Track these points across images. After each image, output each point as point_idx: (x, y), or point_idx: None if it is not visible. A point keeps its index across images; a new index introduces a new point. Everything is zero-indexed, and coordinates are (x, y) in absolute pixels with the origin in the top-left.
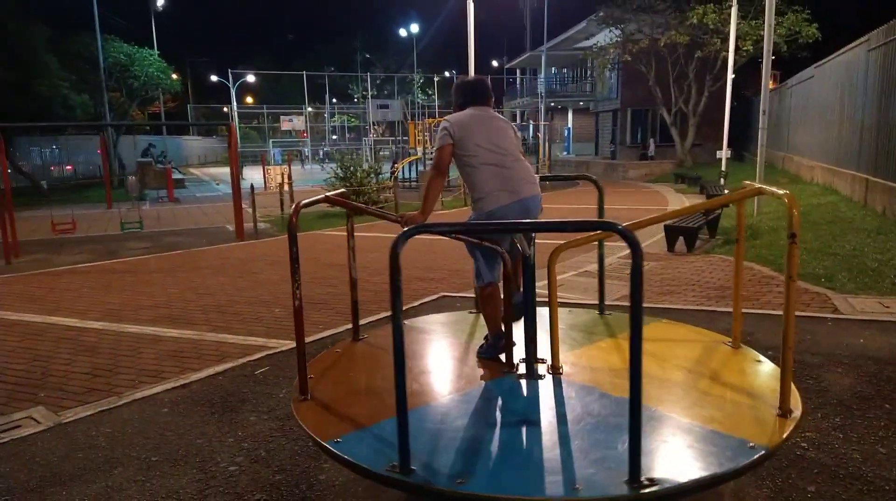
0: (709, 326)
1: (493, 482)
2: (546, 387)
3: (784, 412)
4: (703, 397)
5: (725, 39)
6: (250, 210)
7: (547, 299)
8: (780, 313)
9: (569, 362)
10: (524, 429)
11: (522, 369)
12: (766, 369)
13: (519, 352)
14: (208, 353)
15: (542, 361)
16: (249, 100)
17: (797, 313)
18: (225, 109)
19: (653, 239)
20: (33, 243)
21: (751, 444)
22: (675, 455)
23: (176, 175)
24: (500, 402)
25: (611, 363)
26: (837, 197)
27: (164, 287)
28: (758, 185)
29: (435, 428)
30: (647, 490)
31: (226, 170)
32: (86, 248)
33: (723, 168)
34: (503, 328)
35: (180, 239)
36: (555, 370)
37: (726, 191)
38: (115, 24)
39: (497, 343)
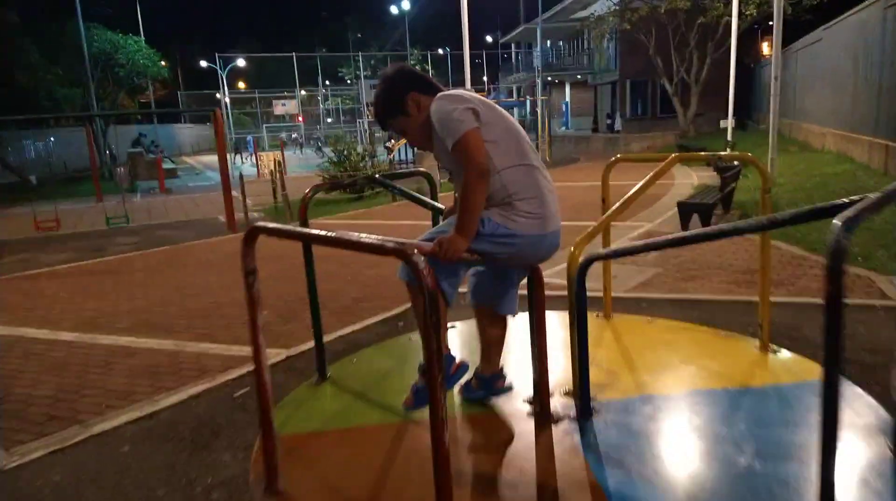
0: (746, 318)
1: None
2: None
3: None
4: None
5: (728, 3)
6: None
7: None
8: (822, 300)
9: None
10: None
11: (558, 408)
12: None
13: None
14: (186, 368)
15: (568, 393)
16: (242, 85)
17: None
18: (217, 96)
19: (664, 216)
20: (18, 242)
21: None
22: None
23: (168, 165)
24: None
25: (650, 391)
26: (853, 165)
27: (146, 289)
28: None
29: None
30: None
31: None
32: (71, 246)
33: (729, 138)
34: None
35: (169, 233)
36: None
37: (735, 162)
38: (99, 11)
39: (449, 372)
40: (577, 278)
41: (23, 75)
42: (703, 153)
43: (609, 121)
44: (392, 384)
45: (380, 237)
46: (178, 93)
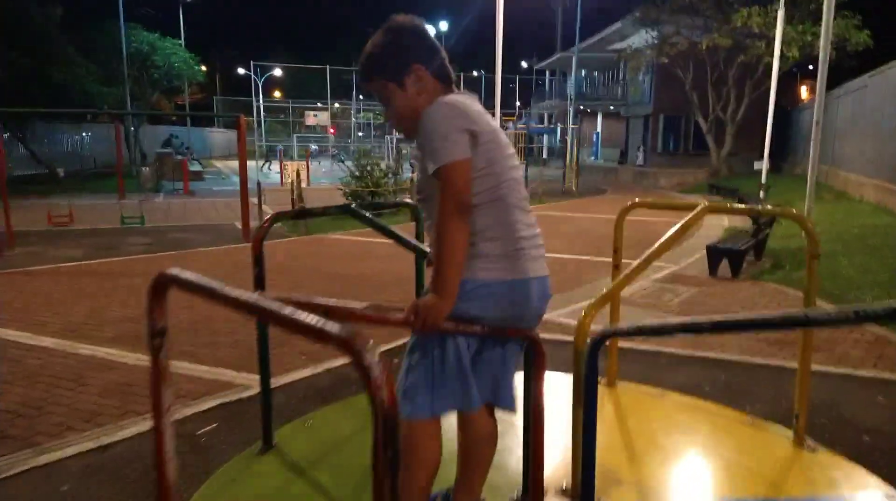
0: (778, 388)
1: None
2: None
3: None
4: None
5: (770, 43)
6: (265, 207)
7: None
8: (867, 372)
9: None
10: None
11: None
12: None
13: None
14: None
15: None
16: (277, 94)
17: (887, 375)
18: (257, 103)
19: (691, 258)
20: (32, 233)
21: None
22: None
23: (195, 167)
24: None
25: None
26: (894, 218)
27: (141, 296)
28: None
29: None
30: None
31: (251, 163)
32: (84, 242)
33: (763, 180)
34: None
35: (184, 236)
36: None
37: (769, 207)
38: (141, 13)
39: None
40: (588, 357)
41: (58, 71)
42: (740, 207)
43: (640, 153)
44: (351, 458)
45: (337, 303)
46: (214, 97)
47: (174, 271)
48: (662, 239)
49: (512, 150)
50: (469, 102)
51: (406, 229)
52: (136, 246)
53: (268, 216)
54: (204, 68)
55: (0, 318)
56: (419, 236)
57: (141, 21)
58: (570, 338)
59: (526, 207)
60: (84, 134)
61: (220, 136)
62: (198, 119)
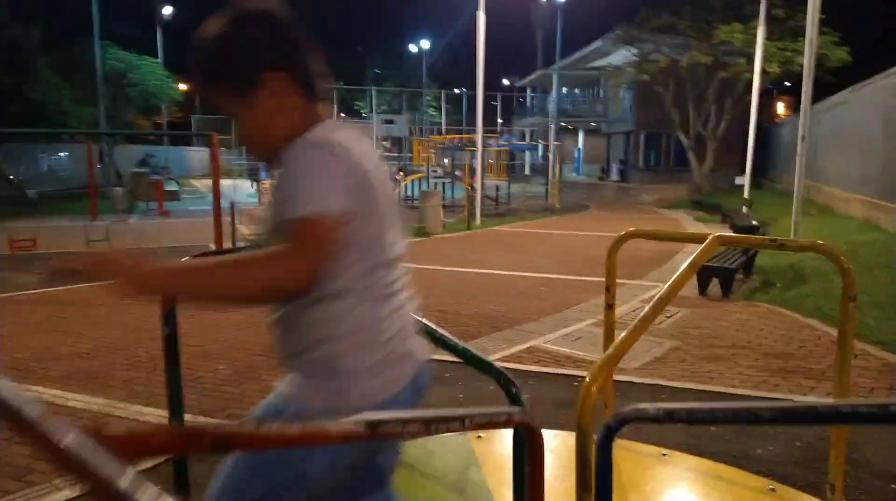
0: (792, 429)
1: None
2: None
3: None
4: None
5: (751, 60)
6: (241, 227)
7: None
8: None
9: None
10: None
11: None
12: None
13: None
14: None
15: None
16: None
17: None
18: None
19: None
20: None
21: None
22: None
23: (171, 187)
24: None
25: None
26: (883, 234)
27: (100, 327)
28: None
29: None
30: None
31: (229, 182)
32: (44, 268)
33: (746, 195)
34: None
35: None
36: None
37: (755, 222)
38: (118, 32)
39: None
40: (601, 448)
41: (35, 89)
42: (755, 237)
43: (621, 167)
44: None
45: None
46: (192, 116)
47: None
48: (672, 280)
49: (397, 210)
50: (351, 134)
51: None
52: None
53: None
54: (184, 86)
55: None
56: None
57: (117, 41)
58: (561, 371)
59: (398, 263)
60: (60, 154)
61: (198, 154)
62: (176, 138)
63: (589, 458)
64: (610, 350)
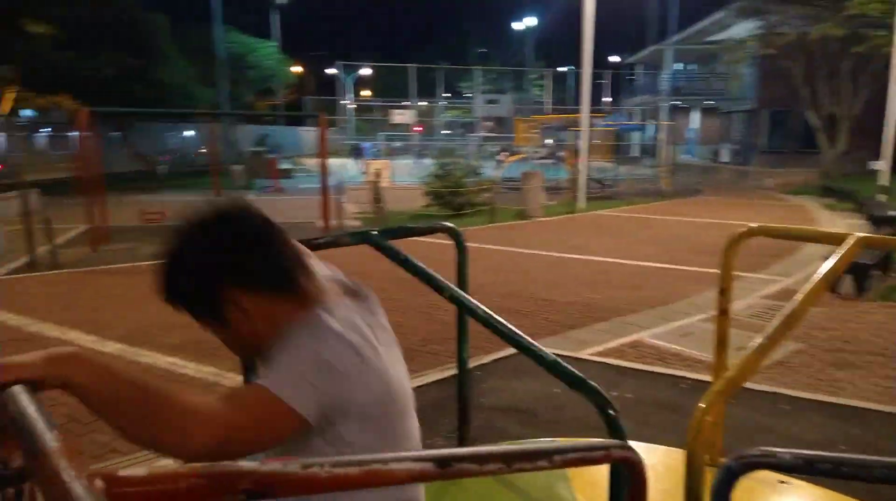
0: None
1: None
2: None
3: None
4: None
5: (890, 32)
6: (347, 205)
7: None
8: None
9: None
10: None
11: None
12: None
13: None
14: None
15: None
16: (367, 93)
17: None
18: (342, 102)
19: (804, 271)
20: (127, 229)
21: None
22: None
23: (285, 165)
24: None
25: None
26: None
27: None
28: None
29: None
30: None
31: (337, 161)
32: None
33: (883, 182)
34: None
35: None
36: None
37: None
38: (235, 16)
39: None
40: (718, 490)
41: (161, 71)
42: None
43: (738, 149)
44: None
45: None
46: (305, 97)
47: None
48: (806, 292)
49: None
50: (355, 335)
51: (482, 232)
52: None
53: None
54: (299, 68)
55: (73, 318)
56: (462, 268)
57: (237, 25)
58: (667, 370)
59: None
60: (186, 132)
61: (310, 134)
62: (290, 118)
63: (700, 498)
64: (731, 372)
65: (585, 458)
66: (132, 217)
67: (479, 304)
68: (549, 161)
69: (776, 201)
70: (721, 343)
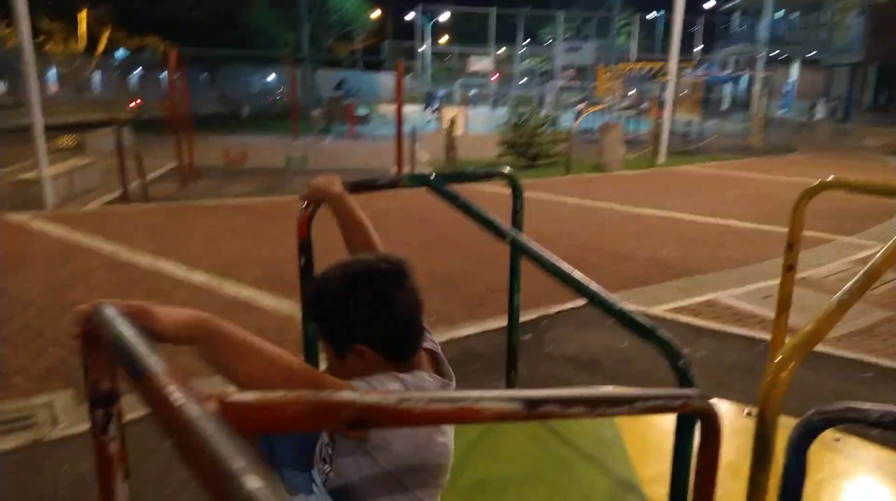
0: None
1: None
2: None
3: None
4: None
5: None
6: (420, 153)
7: None
8: None
9: None
10: None
11: None
12: None
13: None
14: (289, 341)
15: None
16: (444, 39)
17: None
18: (421, 49)
19: None
20: (211, 169)
21: None
22: None
23: (362, 111)
24: None
25: None
26: None
27: (287, 237)
28: None
29: None
30: None
31: (413, 108)
32: (252, 180)
33: None
34: None
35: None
36: None
37: None
38: None
39: None
40: (795, 446)
41: (245, 16)
42: None
43: (835, 105)
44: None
45: None
46: (384, 43)
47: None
48: (887, 247)
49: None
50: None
51: (556, 184)
52: (296, 186)
53: (304, 203)
54: (378, 12)
55: (163, 249)
56: (517, 215)
57: None
58: (743, 331)
59: None
60: (268, 76)
61: (389, 80)
62: (369, 63)
63: (768, 458)
64: (809, 327)
65: (666, 406)
66: (216, 157)
67: (543, 250)
68: (631, 113)
69: (877, 163)
70: (784, 300)
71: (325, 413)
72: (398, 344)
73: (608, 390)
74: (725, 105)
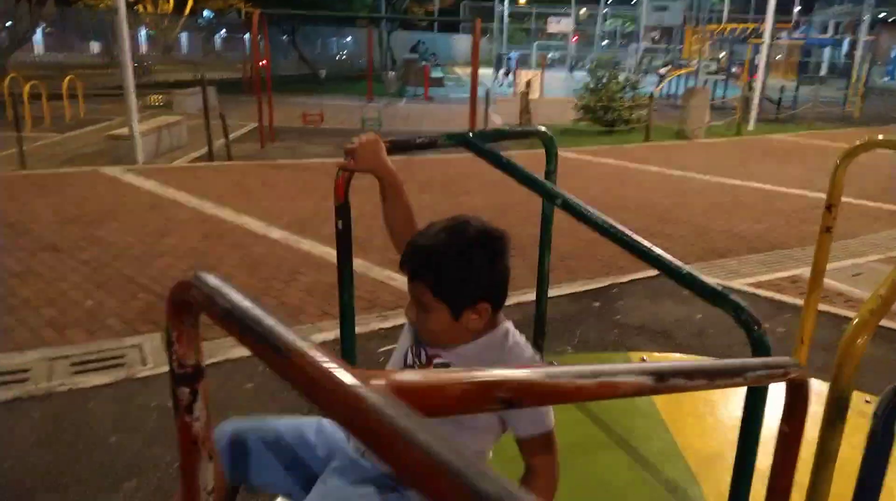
0: None
1: None
2: None
3: None
4: None
5: None
6: (494, 116)
7: None
8: None
9: None
10: None
11: None
12: None
13: None
14: (359, 296)
15: None
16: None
17: None
18: (499, 9)
19: None
20: (289, 130)
21: None
22: None
23: (437, 73)
24: None
25: None
26: None
27: (366, 199)
28: None
29: None
30: None
31: (488, 71)
32: (328, 141)
33: None
34: None
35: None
36: None
37: None
38: None
39: None
40: (884, 415)
41: None
42: None
43: None
44: None
45: None
46: (462, 3)
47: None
48: None
49: None
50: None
51: (635, 151)
52: None
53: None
54: None
55: (244, 205)
56: (549, 177)
57: None
58: (828, 308)
59: None
60: (347, 38)
61: (464, 42)
62: (445, 25)
63: (836, 428)
64: (882, 290)
65: (771, 375)
66: (295, 118)
67: (589, 208)
68: (720, 77)
69: None
70: (819, 263)
71: (483, 392)
72: (505, 298)
73: (724, 363)
74: (823, 71)
